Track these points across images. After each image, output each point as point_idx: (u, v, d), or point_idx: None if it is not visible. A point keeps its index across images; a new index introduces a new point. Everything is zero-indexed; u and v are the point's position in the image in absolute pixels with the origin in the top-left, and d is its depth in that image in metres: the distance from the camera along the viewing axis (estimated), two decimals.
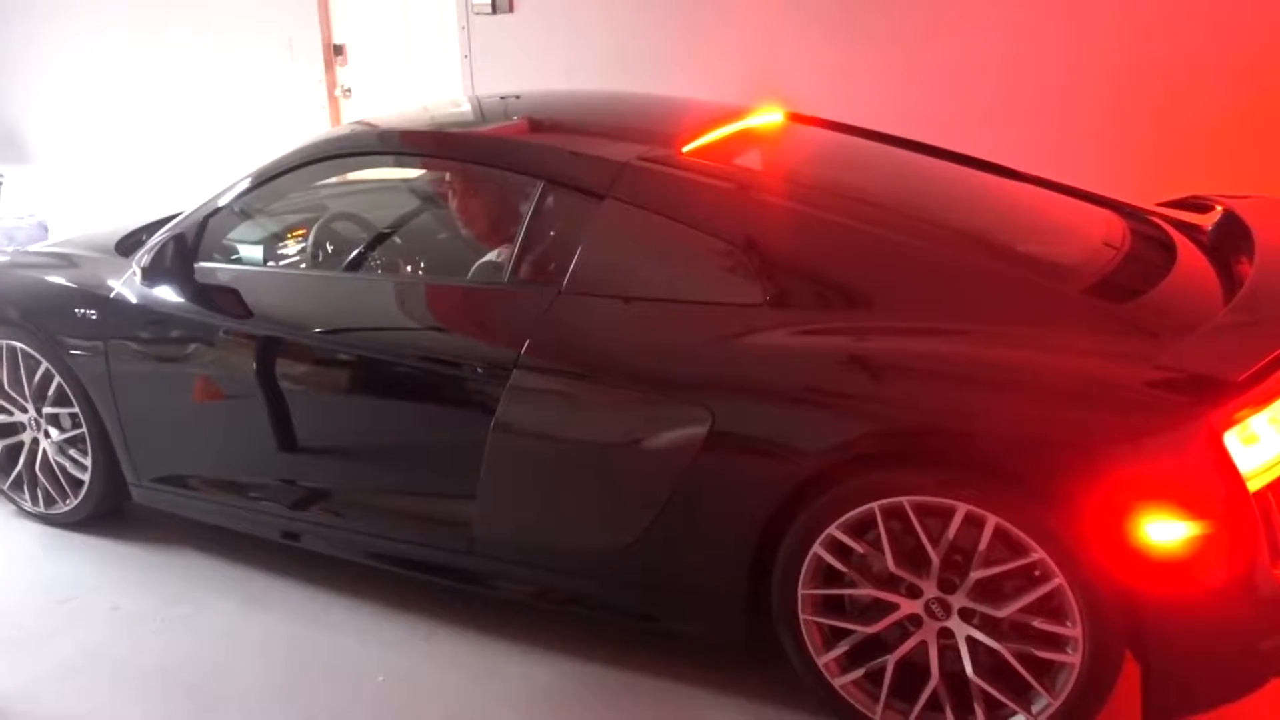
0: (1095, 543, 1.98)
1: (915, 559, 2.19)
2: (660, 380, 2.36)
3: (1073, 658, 2.08)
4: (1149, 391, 2.00)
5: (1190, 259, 2.52)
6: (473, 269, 2.83)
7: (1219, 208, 2.75)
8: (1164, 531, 1.93)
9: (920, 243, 2.38)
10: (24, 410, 3.35)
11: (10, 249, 4.59)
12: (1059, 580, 2.03)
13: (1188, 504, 1.93)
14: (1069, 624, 2.06)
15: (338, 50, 6.45)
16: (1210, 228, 2.71)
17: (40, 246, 3.78)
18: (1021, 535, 2.04)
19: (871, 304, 2.30)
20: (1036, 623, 2.10)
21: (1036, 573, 2.08)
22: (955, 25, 4.48)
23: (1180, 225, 2.79)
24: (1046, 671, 2.13)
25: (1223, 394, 1.94)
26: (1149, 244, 2.62)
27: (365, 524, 2.86)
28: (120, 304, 3.09)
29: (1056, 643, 2.10)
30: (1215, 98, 4.03)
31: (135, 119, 7.35)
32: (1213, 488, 1.92)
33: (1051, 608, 2.08)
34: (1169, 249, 2.56)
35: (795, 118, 3.29)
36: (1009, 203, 2.93)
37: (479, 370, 2.56)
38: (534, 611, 2.80)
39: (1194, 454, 1.93)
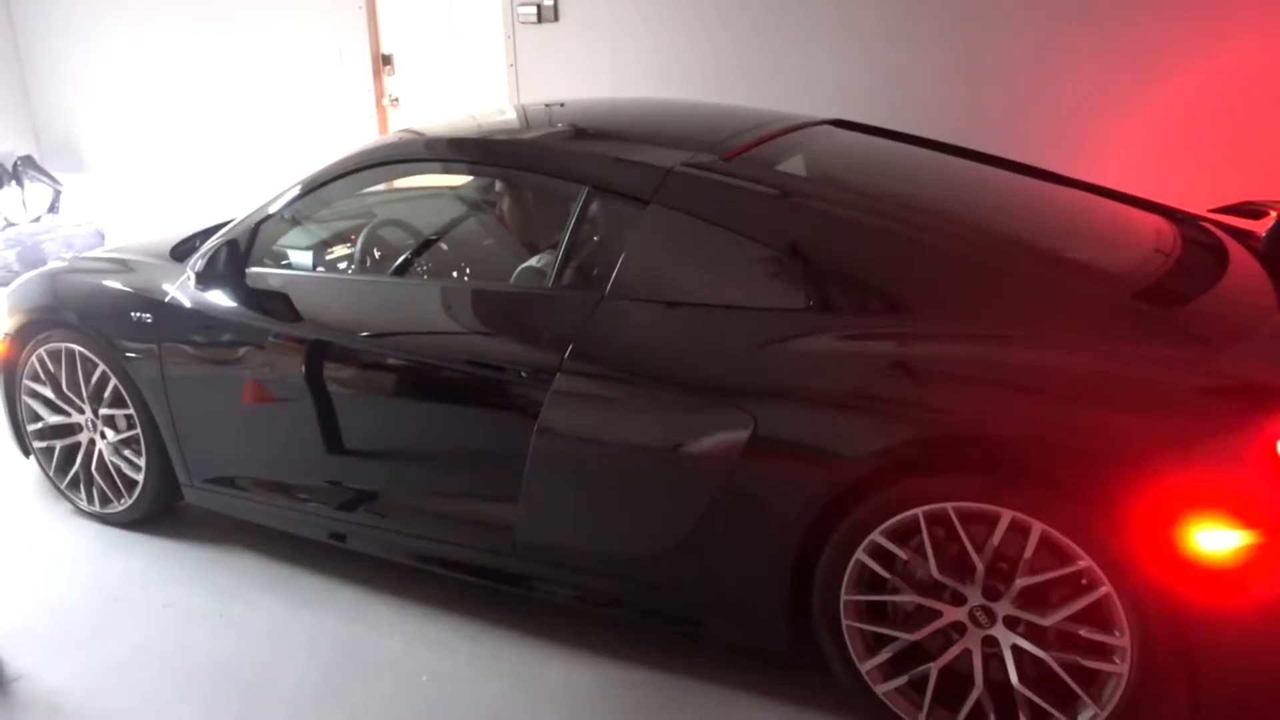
0: (1144, 551, 1.96)
1: (959, 566, 2.17)
2: (702, 385, 2.37)
3: (1120, 668, 2.05)
4: (1201, 398, 1.98)
5: (1243, 265, 2.49)
6: (515, 274, 2.86)
7: (1273, 213, 2.71)
8: (1214, 540, 1.90)
9: (965, 248, 2.37)
10: (81, 411, 3.43)
11: (69, 255, 4.69)
12: (1106, 588, 2.01)
13: (1239, 513, 1.90)
14: (1116, 633, 2.03)
15: (386, 60, 6.54)
16: (1264, 234, 2.67)
17: (97, 252, 3.85)
18: (1068, 542, 2.02)
19: (915, 309, 2.29)
20: (1083, 631, 2.08)
21: (1083, 580, 2.06)
22: (1003, 30, 4.44)
23: (1233, 231, 2.75)
24: (1094, 681, 2.11)
25: (1277, 402, 1.91)
26: (1201, 250, 2.59)
27: (410, 526, 2.89)
28: (174, 308, 3.16)
29: (1104, 652, 2.08)
30: (1269, 103, 3.96)
31: (188, 128, 7.50)
32: (1265, 496, 1.89)
33: (1098, 616, 2.06)
34: (1221, 255, 2.53)
35: (839, 123, 3.28)
36: (1057, 208, 2.90)
37: (523, 374, 2.58)
38: (577, 614, 2.81)
39: (1247, 462, 1.90)
